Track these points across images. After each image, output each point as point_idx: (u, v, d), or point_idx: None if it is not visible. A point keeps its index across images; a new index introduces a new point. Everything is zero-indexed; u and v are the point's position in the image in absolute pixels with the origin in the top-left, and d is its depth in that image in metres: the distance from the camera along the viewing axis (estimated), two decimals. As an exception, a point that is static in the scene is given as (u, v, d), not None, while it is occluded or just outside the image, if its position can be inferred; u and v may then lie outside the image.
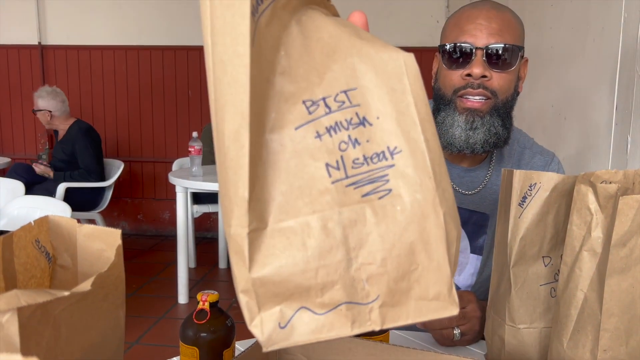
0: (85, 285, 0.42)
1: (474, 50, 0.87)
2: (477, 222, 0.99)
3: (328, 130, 0.39)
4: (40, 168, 3.37)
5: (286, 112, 0.39)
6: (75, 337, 0.44)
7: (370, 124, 0.39)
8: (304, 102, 0.39)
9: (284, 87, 0.39)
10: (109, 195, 3.58)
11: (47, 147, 3.84)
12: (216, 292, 0.69)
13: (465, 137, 0.89)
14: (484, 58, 0.87)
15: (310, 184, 0.38)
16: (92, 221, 3.64)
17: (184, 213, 2.92)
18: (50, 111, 3.40)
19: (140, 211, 4.47)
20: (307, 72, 0.40)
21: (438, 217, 0.38)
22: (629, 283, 0.59)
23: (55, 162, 3.41)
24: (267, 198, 0.38)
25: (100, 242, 0.51)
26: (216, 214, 3.72)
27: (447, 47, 0.89)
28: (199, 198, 3.59)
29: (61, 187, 3.24)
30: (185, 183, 2.76)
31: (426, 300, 0.38)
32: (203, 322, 0.66)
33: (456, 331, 0.84)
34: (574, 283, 0.63)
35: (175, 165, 3.59)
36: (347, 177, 0.39)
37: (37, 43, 4.23)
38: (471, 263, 1.01)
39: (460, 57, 0.88)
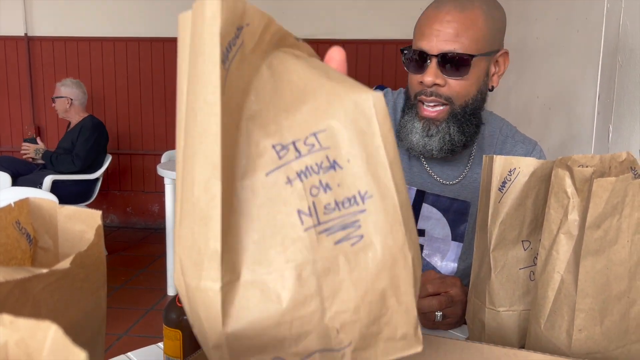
0: (65, 264, 0.42)
1: (427, 57, 0.87)
2: (458, 210, 1.01)
3: (299, 175, 0.39)
4: (26, 147, 3.37)
5: (256, 158, 0.39)
6: (55, 316, 0.44)
7: (341, 167, 0.39)
8: (273, 146, 0.39)
9: (253, 132, 0.39)
10: (97, 188, 3.56)
11: (33, 135, 3.80)
12: None
13: (422, 144, 0.92)
14: (438, 65, 0.86)
15: (282, 232, 0.38)
16: (80, 214, 3.62)
17: (172, 205, 2.91)
18: (71, 99, 3.45)
19: (129, 204, 4.45)
20: (277, 115, 0.40)
21: (407, 262, 0.39)
22: (603, 264, 0.60)
23: (57, 151, 3.42)
24: (238, 248, 0.38)
25: (81, 224, 0.51)
26: (205, 206, 3.71)
27: (405, 52, 0.91)
28: (188, 190, 3.58)
29: (48, 179, 3.21)
30: (174, 175, 2.76)
31: (394, 341, 0.39)
32: None
33: (438, 313, 0.86)
34: (551, 265, 0.65)
35: (164, 158, 3.58)
36: (319, 223, 0.39)
37: (23, 34, 4.18)
38: (452, 250, 1.03)
39: (416, 62, 0.88)
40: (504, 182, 0.71)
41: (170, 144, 4.10)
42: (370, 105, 0.39)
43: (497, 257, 0.73)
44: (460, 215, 1.01)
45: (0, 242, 0.49)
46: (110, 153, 3.65)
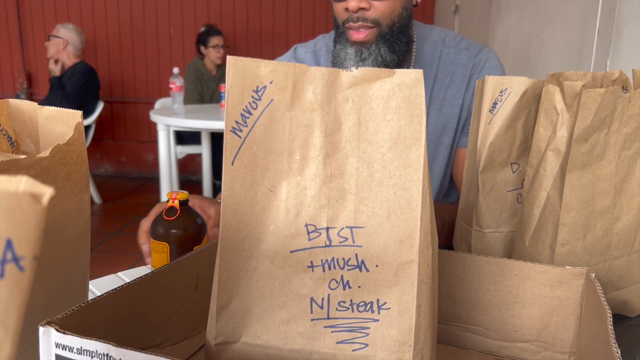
0: (44, 153, 0.42)
1: None
2: None
3: (322, 264, 0.39)
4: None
5: (284, 229, 0.39)
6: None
7: (367, 270, 0.39)
8: (306, 225, 0.39)
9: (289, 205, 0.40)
10: (89, 135, 3.53)
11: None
12: (186, 192, 0.70)
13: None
14: None
15: (290, 313, 0.39)
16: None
17: (166, 152, 2.90)
18: (67, 42, 3.44)
19: (123, 153, 4.43)
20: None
21: None
22: (589, 179, 0.60)
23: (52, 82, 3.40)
24: (244, 313, 0.39)
25: (62, 125, 0.50)
26: (200, 155, 3.70)
27: None
28: (182, 138, 3.56)
29: (41, 125, 3.18)
30: (167, 120, 2.73)
31: None
32: (173, 218, 0.66)
33: None
34: (538, 183, 0.65)
35: (157, 105, 3.54)
36: (328, 318, 0.39)
37: (10, -24, 4.04)
38: None
39: None
40: (495, 103, 0.70)
41: (164, 92, 4.05)
42: (417, 216, 0.38)
43: (486, 179, 0.73)
44: None
45: (-20, 140, 0.48)
46: (103, 101, 3.60)
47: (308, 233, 0.39)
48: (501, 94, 0.70)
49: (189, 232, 0.67)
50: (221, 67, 3.74)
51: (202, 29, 3.67)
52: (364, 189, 0.39)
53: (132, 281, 0.47)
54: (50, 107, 0.50)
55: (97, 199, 3.70)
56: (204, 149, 3.53)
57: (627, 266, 0.65)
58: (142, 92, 4.26)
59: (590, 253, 0.62)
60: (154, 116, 2.82)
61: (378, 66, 0.94)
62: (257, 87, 0.38)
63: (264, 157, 0.39)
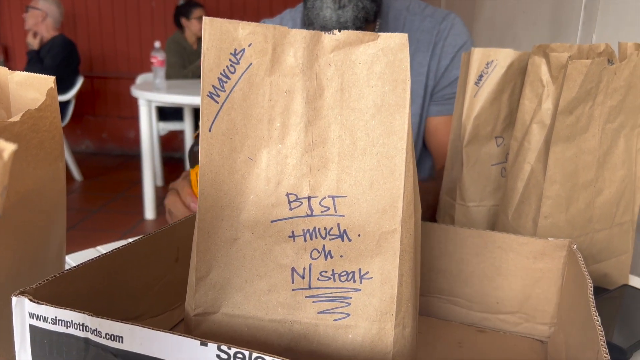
0: (15, 118, 0.40)
1: None
2: None
3: (304, 234, 0.38)
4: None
5: (265, 198, 0.38)
6: (9, 183, 0.42)
7: (350, 240, 0.38)
8: (287, 194, 0.38)
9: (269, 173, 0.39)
10: (69, 111, 3.47)
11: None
12: None
13: (336, 17, 0.90)
14: None
15: (271, 283, 0.38)
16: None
17: (147, 128, 2.86)
18: (46, 14, 3.36)
19: (104, 130, 4.36)
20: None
21: (386, 356, 0.38)
22: (573, 152, 0.60)
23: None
24: (224, 284, 0.38)
25: (34, 91, 0.48)
26: (183, 132, 3.65)
27: None
28: (164, 115, 3.51)
29: (18, 100, 3.10)
30: (148, 95, 2.69)
31: None
32: None
33: None
34: (522, 157, 0.64)
35: (139, 80, 3.47)
36: (309, 288, 0.38)
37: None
38: None
39: None
40: (481, 76, 0.70)
41: (146, 67, 3.97)
42: (400, 186, 0.38)
43: (470, 152, 0.73)
44: None
45: (-53, 106, 0.46)
46: (83, 76, 3.53)
47: (289, 202, 0.38)
48: (487, 66, 0.69)
49: None
50: (201, 40, 3.67)
51: (181, 1, 3.59)
52: (346, 157, 0.38)
53: (109, 252, 0.46)
54: (22, 72, 0.48)
55: (77, 176, 3.65)
56: (187, 126, 3.49)
57: (608, 239, 0.65)
58: (124, 67, 4.18)
59: (572, 226, 0.62)
60: (135, 91, 2.77)
61: (359, 12, 0.91)
62: (235, 50, 0.37)
63: (243, 124, 0.38)
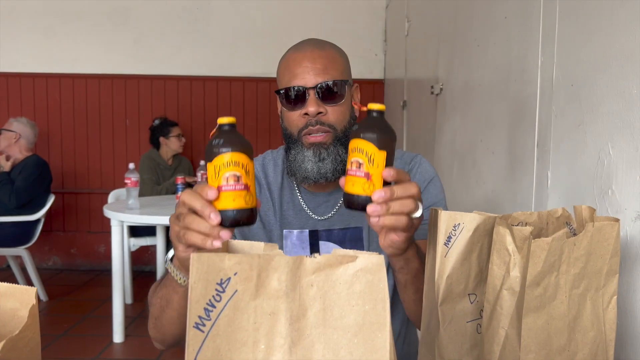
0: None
1: (306, 91, 0.96)
2: (352, 238, 1.05)
3: None
4: None
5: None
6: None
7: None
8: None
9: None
10: (38, 229, 3.40)
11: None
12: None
13: (317, 169, 0.98)
14: (317, 96, 0.96)
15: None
16: (18, 258, 3.45)
17: (119, 248, 2.81)
18: (20, 135, 3.40)
19: (73, 245, 4.27)
20: None
21: None
22: (544, 320, 0.62)
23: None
24: None
25: (14, 301, 0.48)
26: (154, 246, 3.61)
27: (281, 92, 0.99)
28: (136, 230, 3.48)
29: (-15, 222, 3.05)
30: (121, 216, 2.68)
31: None
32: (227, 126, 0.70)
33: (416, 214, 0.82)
34: (496, 321, 0.66)
35: (111, 197, 3.47)
36: None
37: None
38: None
39: (295, 98, 0.97)
40: (449, 237, 0.73)
41: (118, 182, 3.99)
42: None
43: (445, 311, 0.74)
44: (356, 242, 1.05)
45: None
46: (54, 192, 3.51)
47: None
48: (454, 228, 0.73)
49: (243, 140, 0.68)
50: (176, 156, 3.76)
51: (157, 121, 3.71)
52: None
53: None
54: (3, 283, 0.48)
55: (43, 296, 3.50)
56: (159, 241, 3.45)
57: (588, 400, 0.66)
58: (96, 183, 4.19)
59: (551, 392, 0.63)
60: (107, 212, 2.76)
61: (338, 165, 0.97)
62: (222, 279, 0.39)
63: (228, 349, 0.39)
